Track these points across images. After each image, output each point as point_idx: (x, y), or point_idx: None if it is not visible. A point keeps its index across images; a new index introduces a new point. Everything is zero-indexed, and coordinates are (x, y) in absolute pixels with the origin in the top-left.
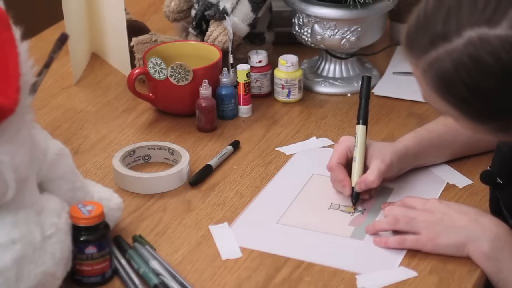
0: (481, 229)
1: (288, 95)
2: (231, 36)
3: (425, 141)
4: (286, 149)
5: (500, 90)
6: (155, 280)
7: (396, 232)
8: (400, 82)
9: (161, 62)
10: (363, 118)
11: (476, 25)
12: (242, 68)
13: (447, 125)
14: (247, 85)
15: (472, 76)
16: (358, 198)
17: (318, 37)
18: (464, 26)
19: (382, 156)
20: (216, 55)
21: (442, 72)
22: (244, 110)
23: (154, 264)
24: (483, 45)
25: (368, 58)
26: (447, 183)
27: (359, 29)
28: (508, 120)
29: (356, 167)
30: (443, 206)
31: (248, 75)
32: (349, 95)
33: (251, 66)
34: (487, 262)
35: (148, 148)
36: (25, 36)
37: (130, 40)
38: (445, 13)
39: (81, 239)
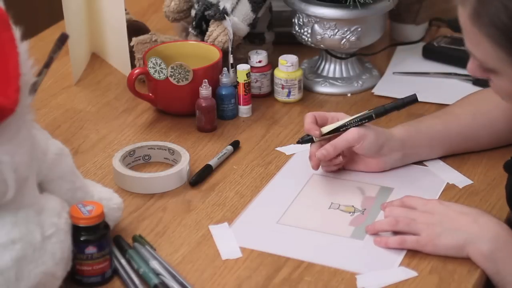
0: (480, 230)
1: (288, 95)
2: (231, 36)
3: (413, 129)
4: (286, 149)
5: None
6: (155, 280)
7: (396, 232)
8: (400, 82)
9: (161, 62)
10: (377, 112)
11: None
12: (242, 68)
13: (438, 117)
14: (247, 85)
15: None
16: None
17: (318, 37)
18: None
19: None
20: (216, 55)
21: (493, 8)
22: (244, 110)
23: (154, 264)
24: None
25: (368, 58)
26: (447, 183)
27: (359, 29)
28: None
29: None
30: (443, 207)
31: (248, 75)
32: (349, 95)
33: (251, 66)
34: (486, 263)
35: (148, 148)
36: (25, 36)
37: (130, 40)
38: None
39: (81, 239)
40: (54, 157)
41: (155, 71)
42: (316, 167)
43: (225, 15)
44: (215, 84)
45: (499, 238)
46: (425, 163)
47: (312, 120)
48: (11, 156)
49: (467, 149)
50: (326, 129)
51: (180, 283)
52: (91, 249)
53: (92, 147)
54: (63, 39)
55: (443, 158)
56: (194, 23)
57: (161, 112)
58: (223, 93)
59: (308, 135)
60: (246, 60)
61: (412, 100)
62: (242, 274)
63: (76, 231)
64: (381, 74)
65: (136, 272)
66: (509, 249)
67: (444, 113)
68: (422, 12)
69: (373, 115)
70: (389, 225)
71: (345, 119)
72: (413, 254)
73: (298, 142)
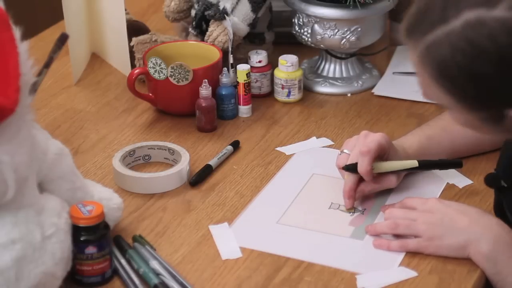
0: (481, 230)
1: (288, 95)
2: (231, 36)
3: (426, 150)
4: (286, 149)
5: (496, 76)
6: (155, 280)
7: (397, 234)
8: (400, 82)
9: (161, 62)
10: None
11: (474, 6)
12: (242, 68)
13: (445, 130)
14: (247, 85)
15: (469, 60)
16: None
17: (318, 37)
18: (462, 8)
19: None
20: (216, 55)
21: (439, 56)
22: (244, 110)
23: (154, 264)
24: (480, 27)
25: (368, 58)
26: (447, 183)
27: (359, 29)
28: (502, 108)
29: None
30: (443, 206)
31: (248, 75)
32: (349, 95)
33: (251, 66)
34: (486, 263)
35: (148, 148)
36: (25, 36)
37: (130, 40)
38: None
39: (81, 239)
40: (54, 157)
41: (155, 71)
42: (350, 207)
43: (225, 15)
44: (215, 84)
45: (499, 239)
46: None
47: (370, 163)
48: (11, 156)
49: (470, 154)
50: (378, 167)
51: (180, 283)
52: (91, 249)
53: (92, 147)
54: (63, 39)
55: None
56: (194, 23)
57: (161, 112)
58: (223, 93)
59: (355, 166)
60: (246, 60)
61: (456, 164)
62: (242, 274)
63: (76, 231)
64: (381, 74)
65: (136, 272)
66: (509, 250)
67: (450, 123)
68: None
69: (419, 166)
70: (389, 228)
71: (395, 161)
72: (413, 254)
73: (344, 168)
